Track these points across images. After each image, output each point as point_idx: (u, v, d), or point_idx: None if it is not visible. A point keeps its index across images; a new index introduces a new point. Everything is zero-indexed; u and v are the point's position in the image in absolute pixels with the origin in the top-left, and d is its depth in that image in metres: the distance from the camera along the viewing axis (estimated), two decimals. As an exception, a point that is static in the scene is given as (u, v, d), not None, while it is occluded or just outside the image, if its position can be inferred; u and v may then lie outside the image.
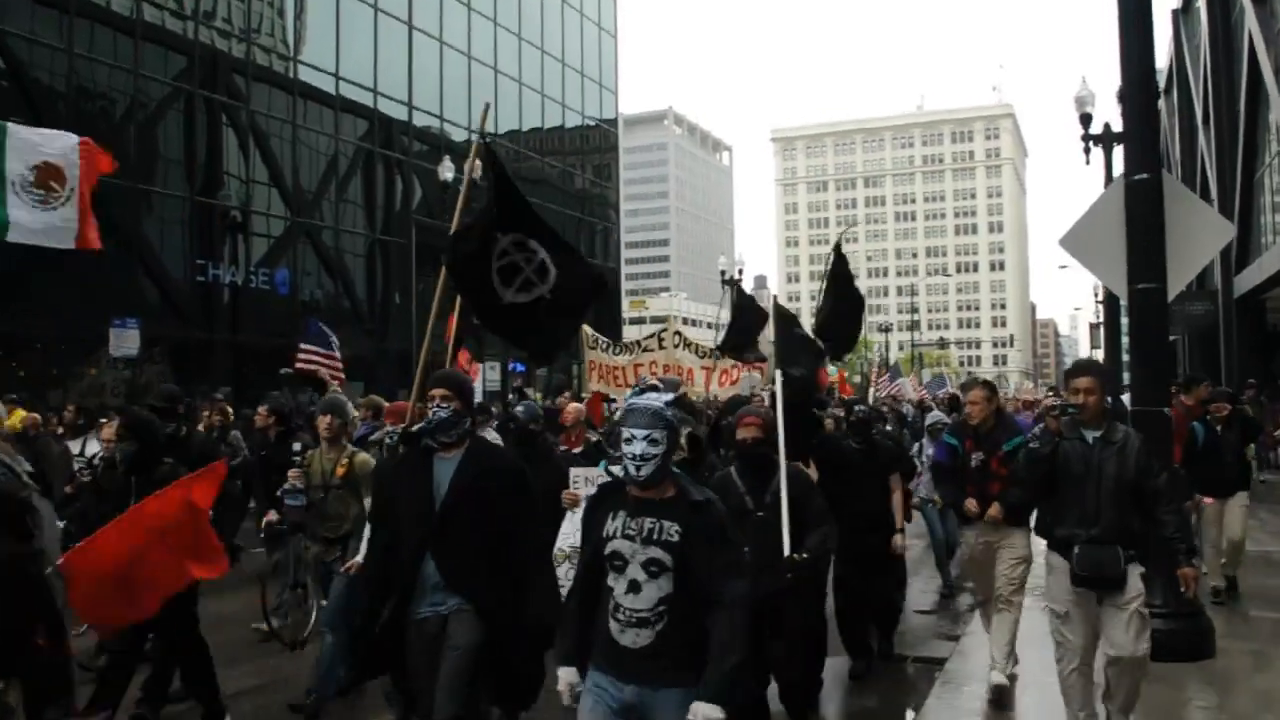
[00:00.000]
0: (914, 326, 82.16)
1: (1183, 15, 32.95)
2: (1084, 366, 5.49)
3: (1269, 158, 22.97)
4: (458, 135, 35.70)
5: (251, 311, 26.07)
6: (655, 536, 3.50)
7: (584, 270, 5.89)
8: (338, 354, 13.53)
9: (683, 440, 5.37)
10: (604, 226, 47.09)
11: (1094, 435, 5.21)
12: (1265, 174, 23.48)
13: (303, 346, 13.23)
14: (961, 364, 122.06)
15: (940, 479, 7.23)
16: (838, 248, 9.19)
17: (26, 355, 22.64)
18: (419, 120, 34.33)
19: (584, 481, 6.18)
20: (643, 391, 3.71)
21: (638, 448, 3.51)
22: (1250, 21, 22.33)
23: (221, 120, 26.69)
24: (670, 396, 3.69)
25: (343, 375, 13.56)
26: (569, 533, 6.03)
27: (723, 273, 39.41)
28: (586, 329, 12.77)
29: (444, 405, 4.52)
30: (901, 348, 77.82)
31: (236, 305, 25.92)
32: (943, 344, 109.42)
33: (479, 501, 4.42)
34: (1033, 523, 6.25)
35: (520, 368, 35.92)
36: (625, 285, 48.60)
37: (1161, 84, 32.17)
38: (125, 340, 18.83)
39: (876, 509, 7.44)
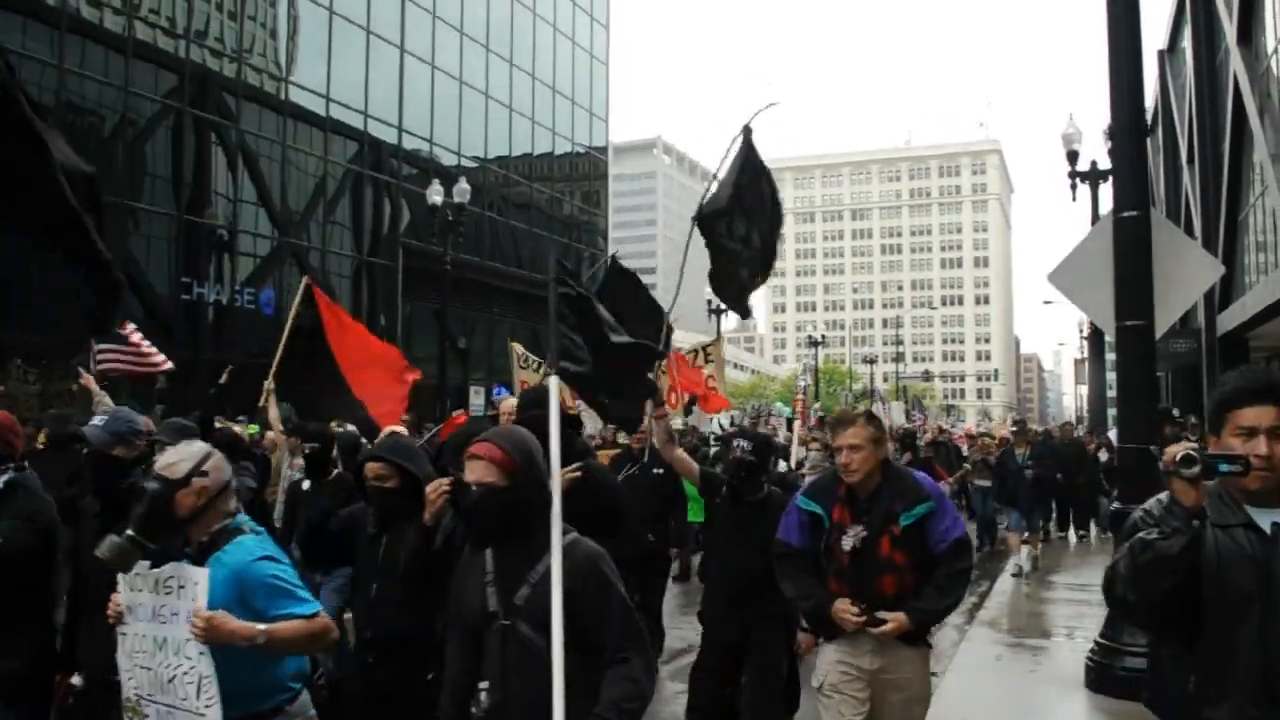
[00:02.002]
0: (899, 359, 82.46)
1: (1168, 55, 33.31)
2: (1266, 383, 2.75)
3: (1253, 197, 23.15)
4: (448, 159, 35.72)
5: (236, 331, 25.92)
6: None
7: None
8: (122, 347, 11.00)
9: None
10: (592, 253, 47.12)
11: (1276, 519, 2.67)
12: (1249, 213, 23.66)
13: (103, 348, 10.77)
14: (946, 397, 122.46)
15: (788, 567, 4.42)
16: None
17: (5, 369, 22.41)
18: (409, 143, 34.33)
19: (128, 587, 3.32)
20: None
21: None
22: (1235, 62, 22.56)
23: (210, 139, 26.63)
24: None
25: (142, 367, 11.16)
26: (139, 658, 3.29)
27: (709, 301, 39.45)
28: (517, 347, 11.86)
29: None
30: (886, 379, 78.00)
31: (221, 324, 25.78)
32: (927, 377, 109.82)
33: None
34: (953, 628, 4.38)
35: (503, 391, 35.77)
36: (612, 312, 48.54)
37: (1146, 123, 32.43)
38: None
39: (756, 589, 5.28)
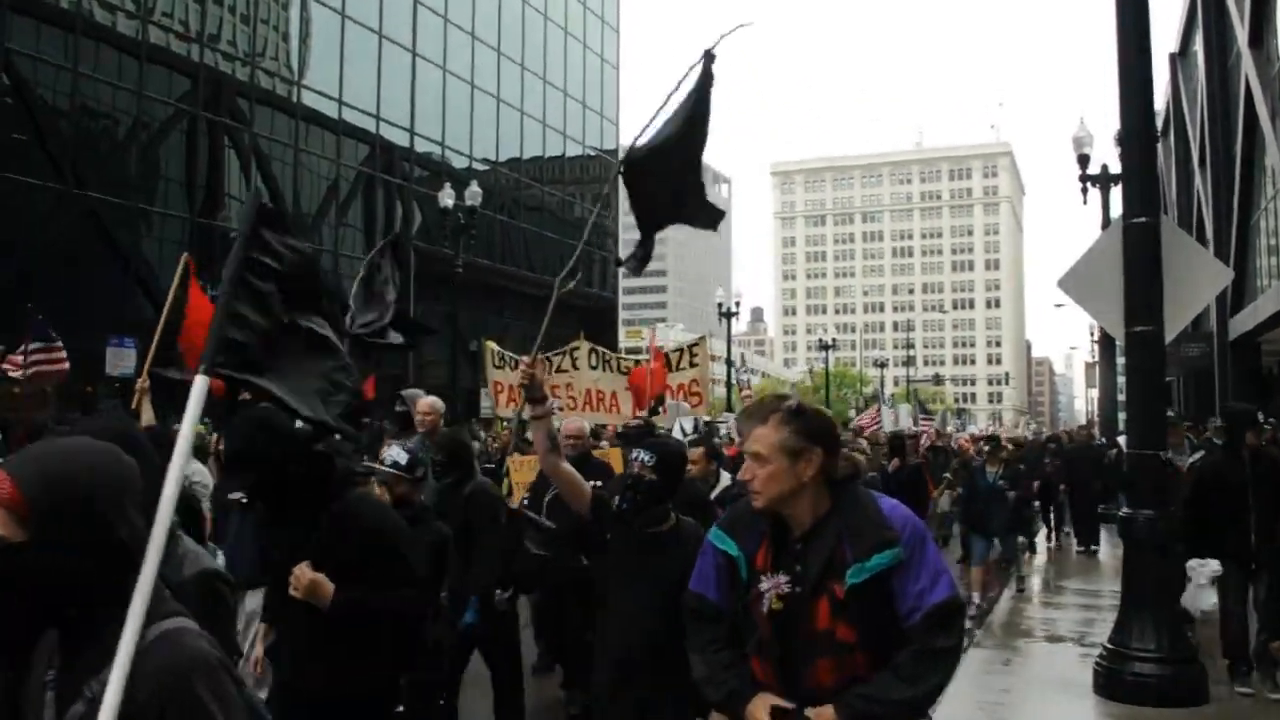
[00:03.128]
0: (909, 362, 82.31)
1: (1180, 59, 33.24)
2: None
3: (1265, 201, 23.09)
4: (459, 162, 35.83)
5: (248, 333, 26.05)
6: None
7: None
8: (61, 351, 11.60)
9: None
10: (602, 256, 47.20)
11: None
12: (1261, 217, 23.59)
13: (31, 349, 11.28)
14: (957, 400, 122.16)
15: (699, 634, 2.93)
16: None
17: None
18: (420, 146, 34.46)
19: None
20: None
21: None
22: (1247, 66, 22.51)
23: (224, 142, 26.78)
24: None
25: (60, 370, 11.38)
26: None
27: (720, 304, 39.49)
28: (492, 345, 10.93)
29: None
30: (897, 383, 77.91)
31: (233, 327, 25.92)
32: (938, 380, 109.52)
33: None
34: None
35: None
36: (622, 315, 48.64)
37: (1158, 126, 32.39)
38: (122, 359, 18.81)
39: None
